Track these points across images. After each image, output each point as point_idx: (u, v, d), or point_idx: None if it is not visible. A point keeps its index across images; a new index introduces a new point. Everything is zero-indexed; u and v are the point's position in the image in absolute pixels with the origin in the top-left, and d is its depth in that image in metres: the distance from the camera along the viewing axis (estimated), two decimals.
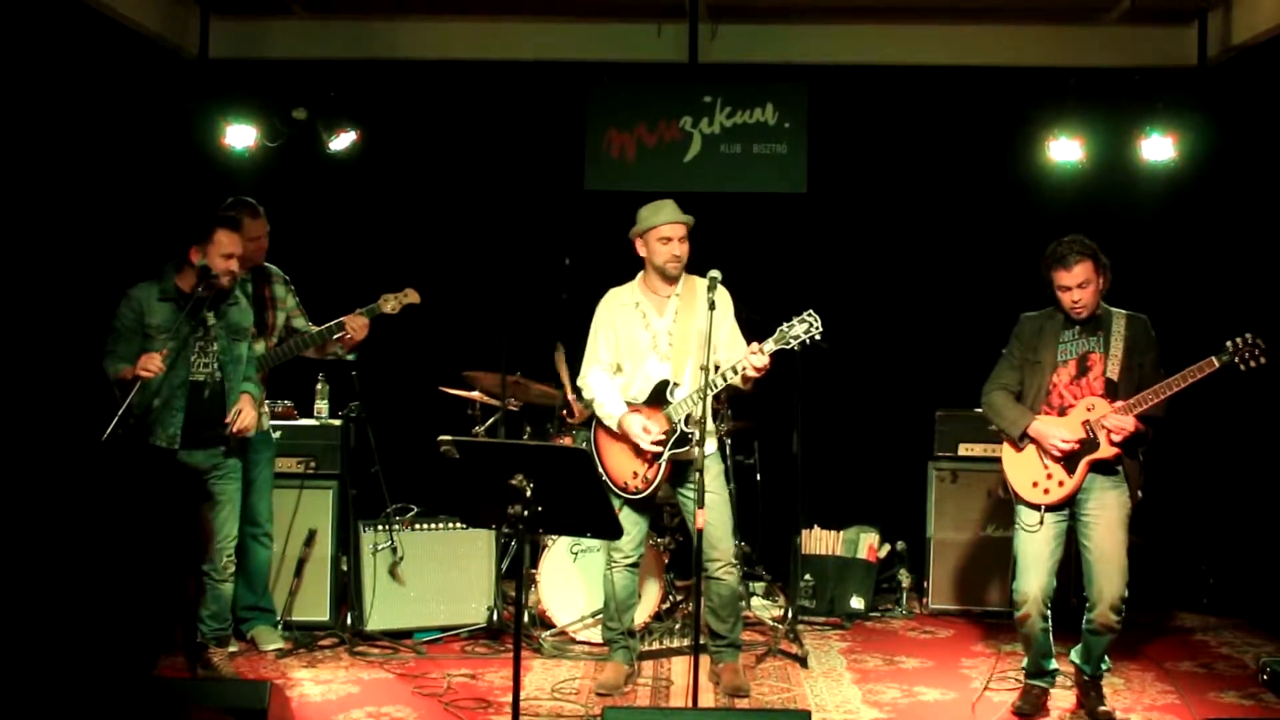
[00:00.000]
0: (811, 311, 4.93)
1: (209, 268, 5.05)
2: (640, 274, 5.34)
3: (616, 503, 5.19)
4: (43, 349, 5.71)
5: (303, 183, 7.25)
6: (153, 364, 4.85)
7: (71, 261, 5.92)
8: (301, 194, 7.24)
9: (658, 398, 5.16)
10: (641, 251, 5.26)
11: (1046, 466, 4.87)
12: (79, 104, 6.03)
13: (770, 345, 4.95)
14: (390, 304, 5.80)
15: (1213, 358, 4.61)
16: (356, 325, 5.70)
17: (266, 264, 5.83)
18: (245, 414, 5.14)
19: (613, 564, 5.31)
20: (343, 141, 6.92)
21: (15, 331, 5.61)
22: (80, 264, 5.94)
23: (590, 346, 5.36)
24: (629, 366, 5.28)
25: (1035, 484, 4.89)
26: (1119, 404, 4.76)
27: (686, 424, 5.05)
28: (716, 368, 5.04)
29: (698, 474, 4.64)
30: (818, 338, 4.92)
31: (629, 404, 5.20)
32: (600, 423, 5.29)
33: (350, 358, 5.86)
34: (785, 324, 4.94)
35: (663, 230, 5.17)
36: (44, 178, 5.82)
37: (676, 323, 5.22)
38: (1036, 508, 4.87)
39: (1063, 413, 4.88)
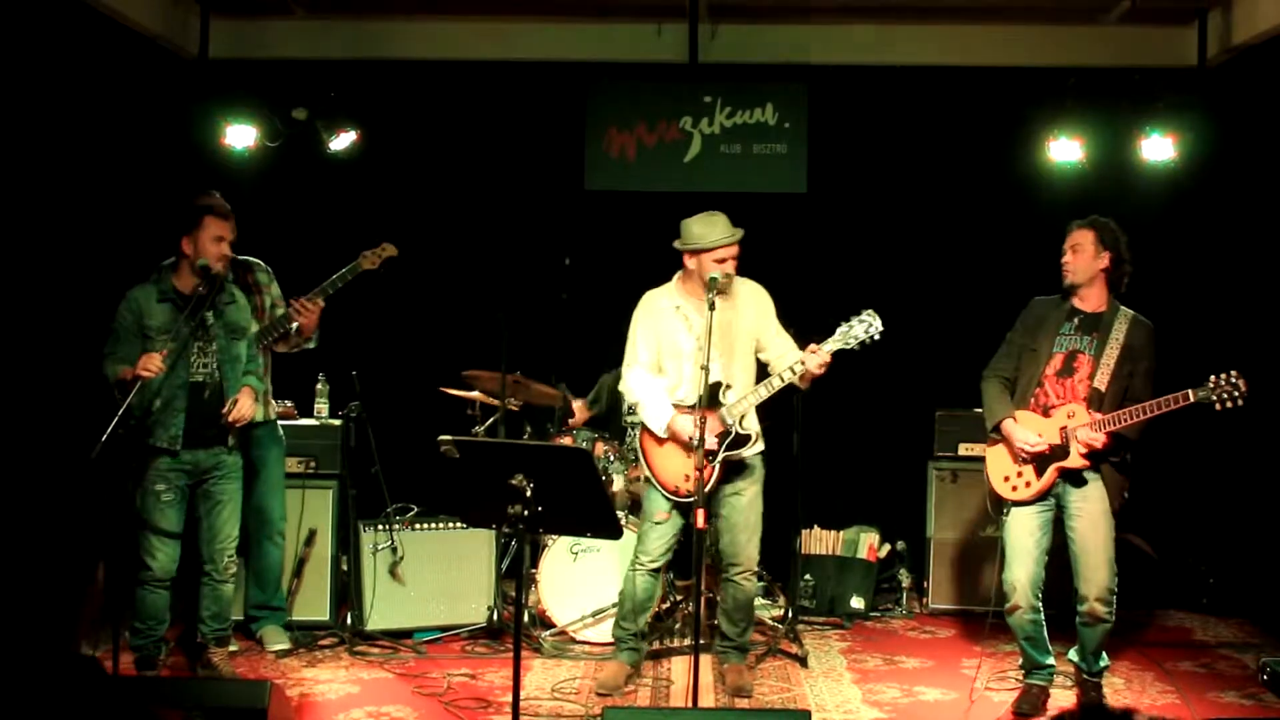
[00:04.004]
0: (871, 311, 4.89)
1: (208, 267, 5.06)
2: (679, 275, 5.25)
3: (665, 506, 5.17)
4: (42, 351, 5.70)
5: (303, 183, 7.26)
6: (153, 364, 4.85)
7: (71, 262, 5.91)
8: (301, 194, 7.25)
9: (710, 399, 5.01)
10: (690, 264, 5.15)
11: (1018, 464, 4.93)
12: (79, 104, 6.03)
13: (830, 345, 4.90)
14: (369, 259, 5.76)
15: (1190, 391, 4.58)
16: (305, 307, 5.64)
17: (246, 257, 5.83)
18: (242, 404, 5.11)
19: (637, 566, 5.26)
20: (343, 141, 6.92)
21: (15, 333, 5.61)
22: (80, 264, 5.93)
23: (630, 349, 5.30)
24: (672, 369, 5.21)
25: (1006, 478, 4.99)
26: (1096, 418, 4.76)
27: (740, 425, 5.03)
28: (764, 366, 5.08)
29: (700, 477, 4.58)
30: (878, 337, 4.88)
31: (676, 406, 5.13)
32: (645, 427, 5.23)
33: (310, 345, 5.82)
34: (845, 323, 4.91)
35: (718, 253, 5.06)
36: (44, 178, 5.81)
37: (704, 319, 5.16)
38: (1005, 503, 4.97)
39: (1046, 413, 4.91)
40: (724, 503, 5.19)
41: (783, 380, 4.99)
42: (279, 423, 5.88)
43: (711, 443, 4.95)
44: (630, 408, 6.67)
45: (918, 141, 7.32)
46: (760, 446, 5.22)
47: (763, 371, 5.19)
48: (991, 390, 5.08)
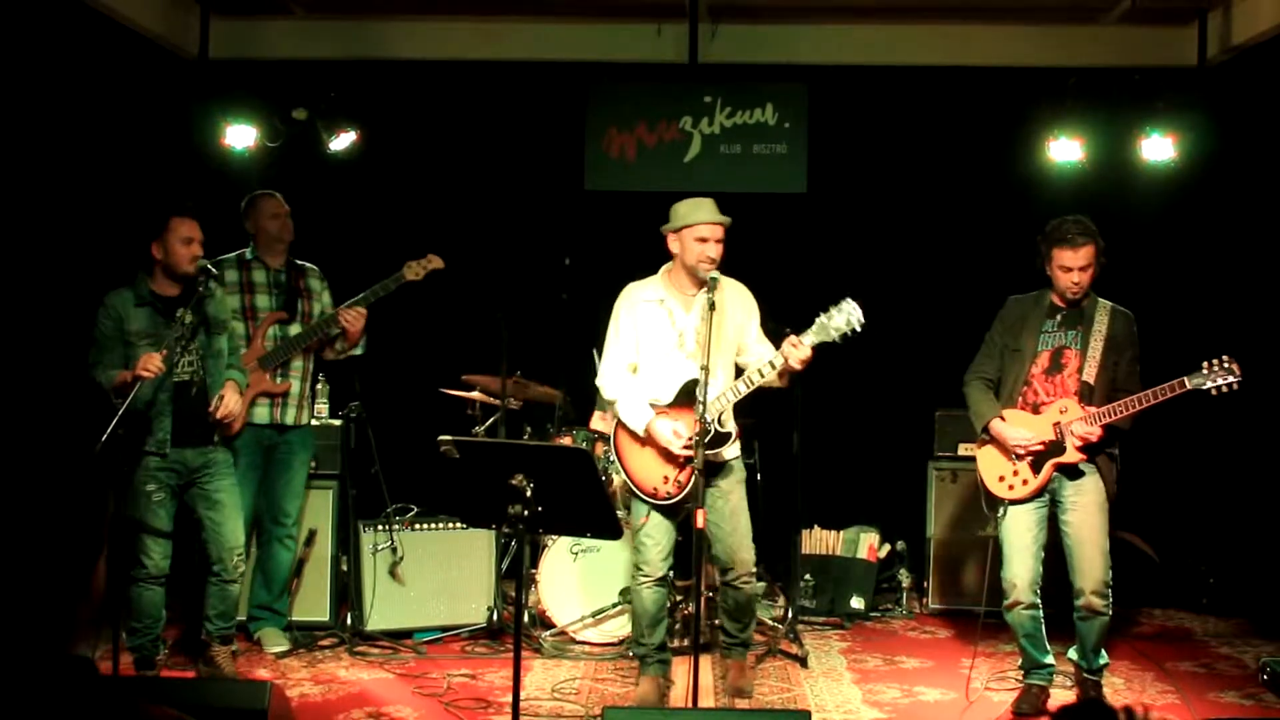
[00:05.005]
0: (849, 299, 4.70)
1: (208, 269, 5.05)
2: (665, 269, 5.10)
3: (644, 510, 5.00)
4: (41, 353, 5.70)
5: (303, 183, 7.23)
6: (153, 364, 4.83)
7: (70, 263, 5.91)
8: (302, 195, 7.21)
9: (687, 397, 4.89)
10: (673, 248, 5.01)
11: (1013, 463, 4.93)
12: (79, 104, 6.03)
13: (810, 338, 4.72)
14: (413, 270, 5.74)
15: (1184, 378, 4.59)
16: (350, 316, 5.67)
17: (302, 262, 5.88)
18: (228, 400, 5.09)
19: (640, 580, 5.05)
20: (343, 141, 6.91)
21: (14, 335, 5.61)
22: (79, 266, 5.93)
23: (610, 344, 5.12)
24: (650, 365, 5.04)
25: (1001, 478, 4.97)
26: (1090, 411, 4.77)
27: (719, 424, 4.88)
28: (740, 370, 4.97)
29: (700, 476, 4.50)
30: (859, 329, 4.68)
31: (654, 405, 4.97)
32: (622, 425, 5.06)
33: (357, 352, 5.84)
34: (823, 314, 4.72)
35: (700, 230, 4.92)
36: (44, 179, 5.82)
37: (704, 321, 4.97)
38: (1001, 502, 4.95)
39: (1036, 410, 4.91)
40: (710, 508, 4.96)
41: (761, 375, 4.82)
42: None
43: (688, 443, 4.80)
44: None
45: (918, 141, 7.32)
46: (738, 447, 5.12)
47: (739, 374, 5.08)
48: (975, 393, 5.07)
